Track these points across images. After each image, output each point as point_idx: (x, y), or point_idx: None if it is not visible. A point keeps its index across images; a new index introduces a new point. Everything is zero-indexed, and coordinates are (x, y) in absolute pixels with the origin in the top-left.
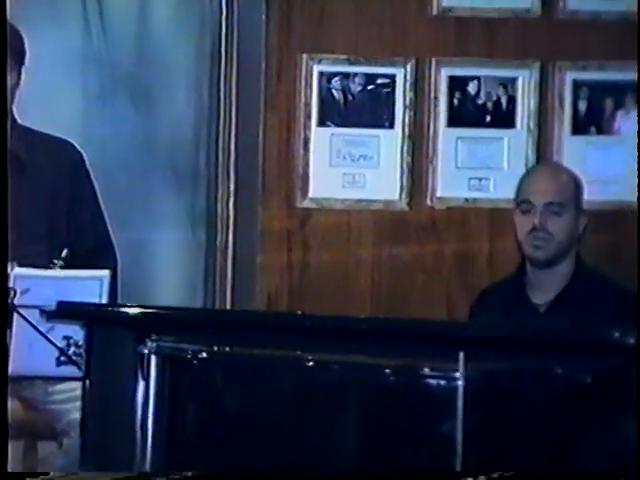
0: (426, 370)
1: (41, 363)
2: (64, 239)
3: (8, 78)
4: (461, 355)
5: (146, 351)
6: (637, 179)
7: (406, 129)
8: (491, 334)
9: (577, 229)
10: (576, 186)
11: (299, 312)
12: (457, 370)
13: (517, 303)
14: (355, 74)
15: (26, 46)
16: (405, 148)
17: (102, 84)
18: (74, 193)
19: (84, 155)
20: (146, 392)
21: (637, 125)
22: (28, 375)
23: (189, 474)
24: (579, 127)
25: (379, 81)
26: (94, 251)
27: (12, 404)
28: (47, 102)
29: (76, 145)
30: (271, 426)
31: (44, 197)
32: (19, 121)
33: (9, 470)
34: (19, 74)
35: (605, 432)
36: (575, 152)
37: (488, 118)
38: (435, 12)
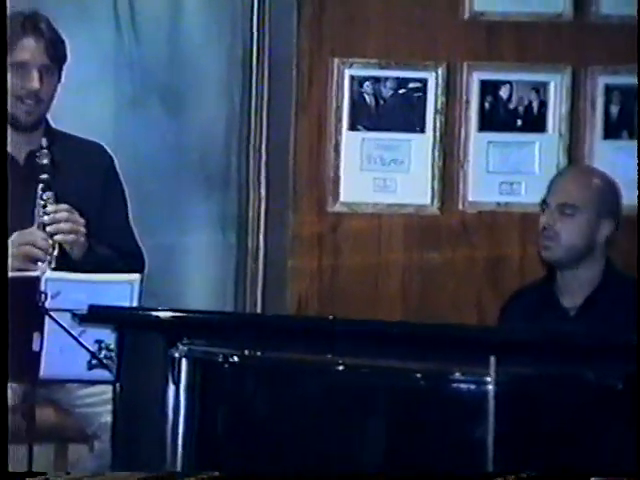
0: (457, 375)
1: (72, 366)
2: (93, 242)
3: (49, 81)
4: (492, 360)
5: (177, 355)
6: (637, 182)
7: (437, 133)
8: (521, 338)
9: (596, 233)
10: (603, 190)
11: (330, 316)
12: (488, 375)
13: (547, 307)
14: (386, 78)
15: (68, 49)
16: (436, 152)
17: (134, 88)
18: (104, 196)
19: (115, 159)
20: (177, 396)
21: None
22: (59, 378)
23: (216, 474)
24: (611, 131)
25: (410, 85)
26: (122, 255)
27: (43, 407)
28: (79, 105)
29: (107, 148)
30: (301, 430)
31: (75, 200)
32: (52, 124)
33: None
34: (59, 78)
35: (636, 437)
36: (606, 156)
37: (519, 122)
38: (467, 16)
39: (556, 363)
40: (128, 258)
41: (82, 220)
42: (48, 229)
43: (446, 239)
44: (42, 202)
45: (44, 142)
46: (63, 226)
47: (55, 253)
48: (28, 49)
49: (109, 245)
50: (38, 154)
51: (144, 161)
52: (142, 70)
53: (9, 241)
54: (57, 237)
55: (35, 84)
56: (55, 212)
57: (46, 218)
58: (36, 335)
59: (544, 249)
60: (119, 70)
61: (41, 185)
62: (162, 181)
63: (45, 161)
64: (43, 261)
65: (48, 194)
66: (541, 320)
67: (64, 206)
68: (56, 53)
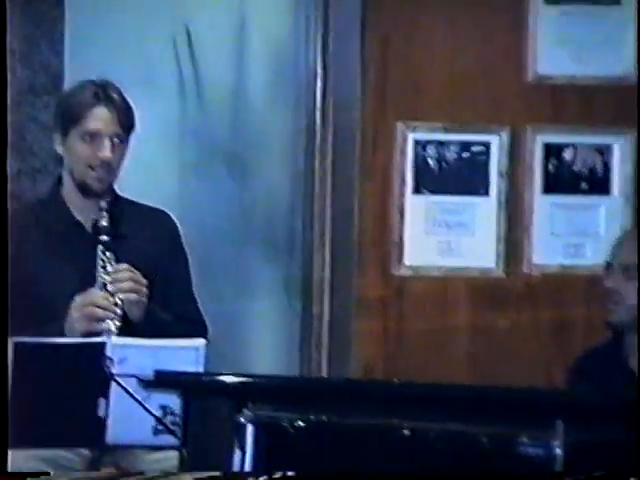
0: (523, 439)
1: (138, 432)
2: (155, 306)
3: (120, 149)
4: (559, 424)
5: (243, 420)
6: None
7: (501, 196)
8: (589, 402)
9: None
10: None
11: (395, 380)
12: (555, 439)
13: (615, 369)
14: (450, 142)
15: (136, 118)
16: (501, 215)
17: (198, 153)
18: (168, 264)
19: (179, 226)
20: (242, 461)
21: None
22: (125, 444)
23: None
24: None
25: (474, 149)
26: (184, 321)
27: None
28: (143, 171)
29: (172, 216)
30: None
31: (139, 264)
32: (118, 192)
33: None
34: (128, 145)
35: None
36: None
37: (584, 185)
38: (531, 80)
39: (624, 428)
40: (190, 325)
41: (144, 280)
42: (109, 288)
43: (511, 302)
44: (102, 262)
45: (103, 204)
46: (124, 285)
47: (119, 312)
48: (101, 118)
49: (171, 312)
50: (97, 216)
51: (209, 226)
52: (206, 136)
53: (72, 306)
54: (119, 296)
55: (108, 154)
56: (116, 271)
57: (107, 278)
58: (102, 401)
59: (610, 312)
60: (184, 136)
61: (101, 246)
62: (227, 246)
63: (104, 223)
64: (108, 319)
65: (108, 254)
66: (609, 383)
67: (124, 265)
68: (127, 122)
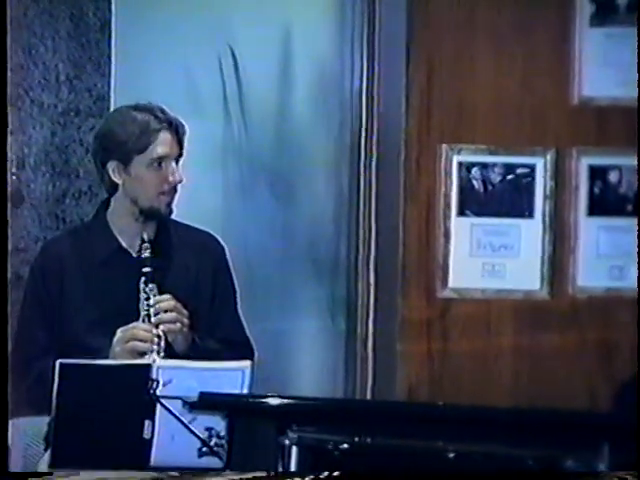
0: (569, 462)
1: (183, 454)
2: (204, 332)
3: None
4: (605, 447)
5: (287, 442)
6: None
7: (546, 219)
8: (634, 425)
9: None
10: None
11: (440, 402)
12: (601, 461)
13: None
14: (494, 164)
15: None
16: (546, 237)
17: (242, 174)
18: (214, 288)
19: (226, 249)
20: None
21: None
22: (170, 466)
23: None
24: None
25: (519, 171)
26: (230, 347)
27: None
28: (189, 192)
29: (219, 239)
30: None
31: (188, 290)
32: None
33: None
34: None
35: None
36: None
37: (629, 207)
38: (575, 101)
39: None
40: (236, 349)
41: (185, 312)
42: (152, 320)
43: (556, 324)
44: (145, 294)
45: (146, 236)
46: (166, 316)
47: (162, 344)
48: (167, 143)
49: (217, 339)
50: (140, 247)
51: (253, 247)
52: (250, 156)
53: (114, 340)
54: (161, 327)
55: (178, 177)
56: (158, 302)
57: (150, 310)
58: (147, 423)
59: None
60: (228, 157)
61: (144, 278)
62: (271, 266)
63: (147, 254)
64: (151, 352)
65: (151, 286)
66: None
67: (167, 296)
68: (183, 142)
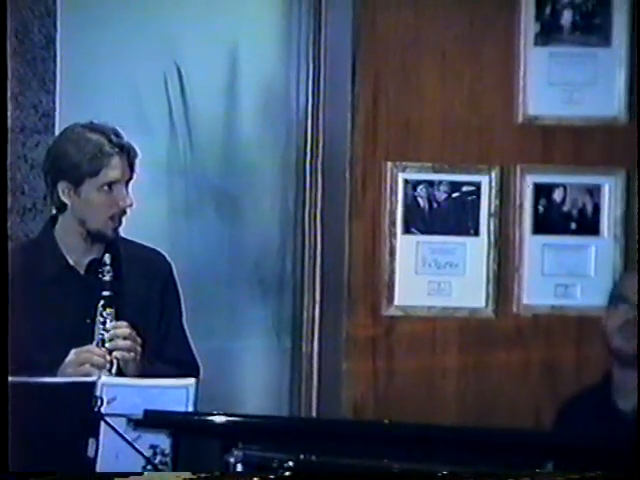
0: None
1: (127, 472)
2: (152, 354)
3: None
4: (549, 465)
5: (232, 460)
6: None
7: (492, 236)
8: (578, 444)
9: None
10: None
11: (385, 420)
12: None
13: (604, 410)
14: (440, 182)
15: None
16: (491, 255)
17: (188, 194)
18: (162, 306)
19: (173, 266)
20: None
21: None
22: None
23: None
24: None
25: (464, 189)
26: (178, 367)
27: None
28: (134, 212)
29: (166, 256)
30: None
31: (138, 311)
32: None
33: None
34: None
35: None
36: None
37: (573, 225)
38: (521, 120)
39: (612, 467)
40: (183, 368)
41: (139, 339)
42: (107, 345)
43: (501, 342)
44: (102, 319)
45: (107, 259)
46: (122, 343)
47: (114, 370)
48: (119, 167)
49: (165, 359)
50: (101, 270)
51: (199, 266)
52: (196, 176)
53: (66, 360)
54: (115, 354)
55: (129, 202)
56: (115, 329)
57: (106, 335)
58: (91, 441)
59: (625, 344)
60: (173, 175)
61: (102, 302)
62: (217, 286)
63: (107, 278)
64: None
65: (109, 311)
66: (598, 424)
67: (124, 323)
68: (135, 166)
